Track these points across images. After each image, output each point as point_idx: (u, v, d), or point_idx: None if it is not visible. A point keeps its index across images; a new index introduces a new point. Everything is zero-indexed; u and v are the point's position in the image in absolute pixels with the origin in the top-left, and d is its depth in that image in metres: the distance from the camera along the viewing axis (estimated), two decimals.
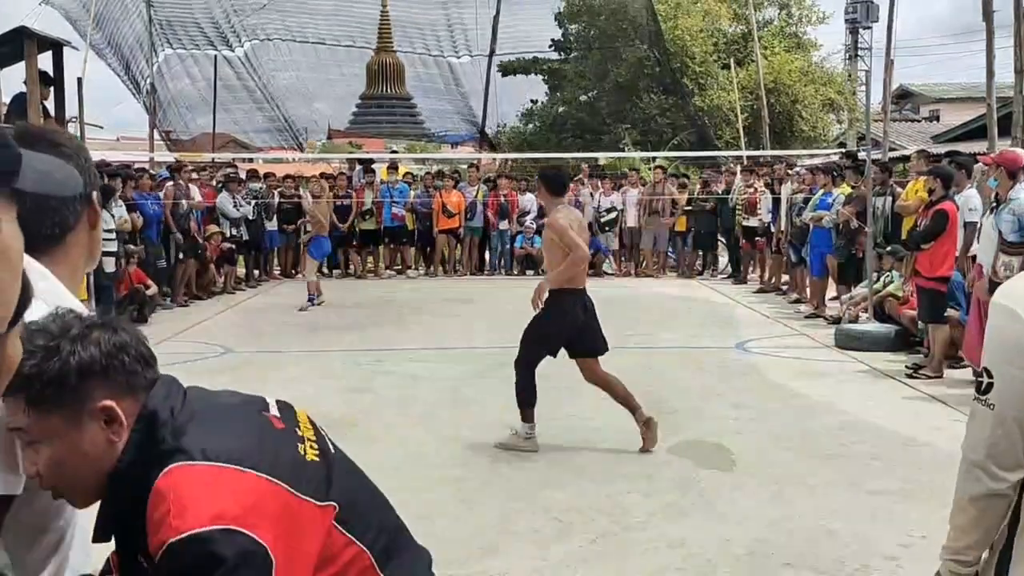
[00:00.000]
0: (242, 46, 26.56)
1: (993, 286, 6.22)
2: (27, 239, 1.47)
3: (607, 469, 5.33)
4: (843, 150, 17.52)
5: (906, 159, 15.51)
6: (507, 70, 28.58)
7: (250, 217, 14.62)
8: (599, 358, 5.81)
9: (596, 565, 4.03)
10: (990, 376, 1.63)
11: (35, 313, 1.49)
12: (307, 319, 11.26)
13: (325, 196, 14.19)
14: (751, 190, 14.40)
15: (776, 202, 13.22)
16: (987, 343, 1.67)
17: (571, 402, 7.02)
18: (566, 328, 5.68)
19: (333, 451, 1.59)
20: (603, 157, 21.90)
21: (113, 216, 10.41)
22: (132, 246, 11.22)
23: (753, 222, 14.23)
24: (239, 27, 26.15)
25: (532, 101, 29.50)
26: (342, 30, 27.79)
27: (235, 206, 14.20)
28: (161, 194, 12.62)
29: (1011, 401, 1.59)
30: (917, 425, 6.24)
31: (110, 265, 10.17)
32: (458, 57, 27.87)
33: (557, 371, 8.12)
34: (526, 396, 5.74)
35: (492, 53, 26.98)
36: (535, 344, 5.75)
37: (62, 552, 1.45)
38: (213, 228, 13.70)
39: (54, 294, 1.51)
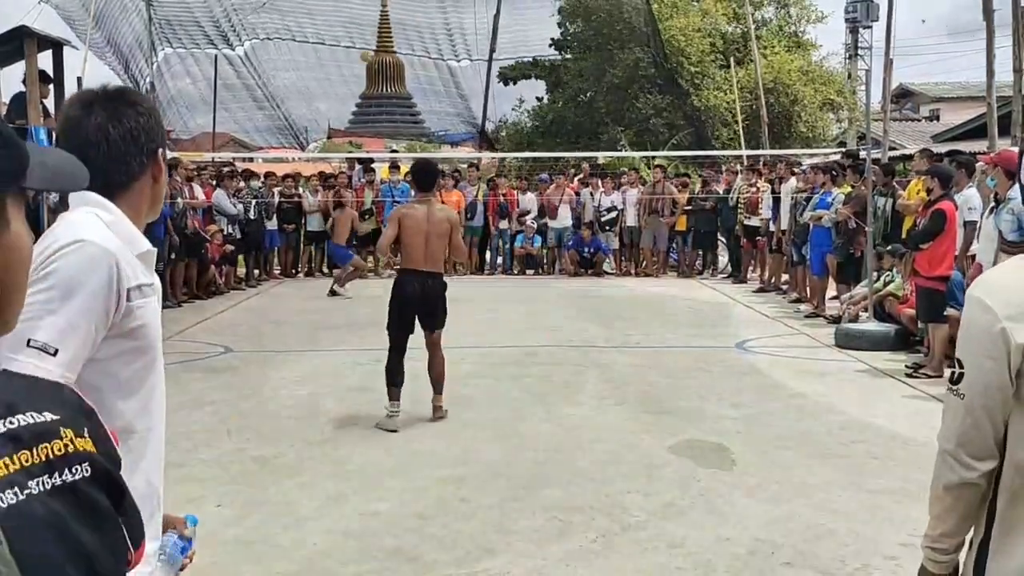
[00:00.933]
0: (242, 45, 26.62)
1: None
2: (102, 183, 1.69)
3: (607, 469, 5.32)
4: (843, 149, 17.50)
5: (906, 158, 15.53)
6: (507, 78, 28.62)
7: (251, 216, 14.59)
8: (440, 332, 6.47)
9: (596, 565, 4.02)
10: (961, 366, 1.65)
11: (109, 241, 1.68)
12: (308, 319, 11.25)
13: (348, 204, 14.37)
14: (753, 189, 14.40)
15: (777, 201, 13.22)
16: (960, 333, 1.69)
17: (571, 402, 7.03)
18: (406, 303, 6.33)
19: (24, 500, 0.91)
20: (602, 157, 21.89)
21: None
22: None
23: (755, 221, 14.24)
24: (239, 26, 26.19)
25: (538, 99, 29.48)
26: (342, 30, 27.83)
27: (231, 203, 14.18)
28: None
29: (980, 391, 1.61)
30: (917, 425, 6.23)
31: None
32: (457, 60, 27.93)
33: (557, 371, 8.16)
34: (388, 376, 6.31)
35: (492, 53, 26.99)
36: (389, 323, 6.42)
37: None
38: (214, 228, 13.67)
39: (122, 225, 1.73)
